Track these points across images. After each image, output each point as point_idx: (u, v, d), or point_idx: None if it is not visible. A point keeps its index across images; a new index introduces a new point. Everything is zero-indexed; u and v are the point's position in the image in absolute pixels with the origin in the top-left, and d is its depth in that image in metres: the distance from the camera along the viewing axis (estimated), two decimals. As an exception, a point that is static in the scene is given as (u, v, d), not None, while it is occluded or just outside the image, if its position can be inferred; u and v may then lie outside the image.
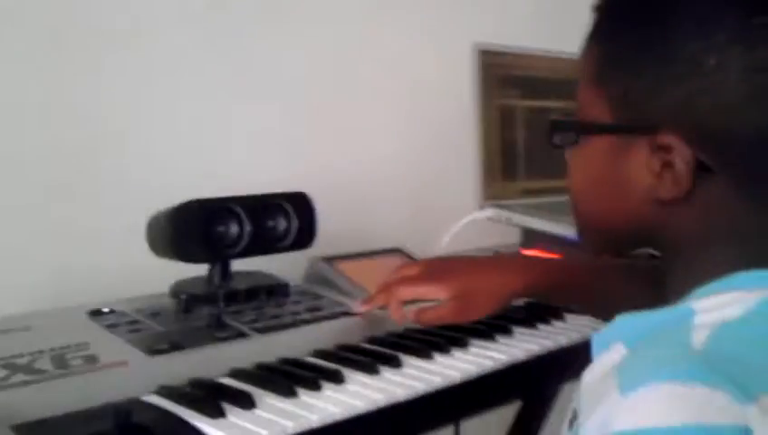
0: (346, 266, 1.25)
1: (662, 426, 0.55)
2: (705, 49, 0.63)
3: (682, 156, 0.65)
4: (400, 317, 1.06)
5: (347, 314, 1.13)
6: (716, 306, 0.63)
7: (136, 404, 0.84)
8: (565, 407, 0.72)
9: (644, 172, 0.68)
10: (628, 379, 0.59)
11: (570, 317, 1.21)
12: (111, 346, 0.95)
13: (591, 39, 0.73)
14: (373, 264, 1.30)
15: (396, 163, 1.73)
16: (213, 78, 1.49)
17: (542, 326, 1.17)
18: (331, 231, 1.25)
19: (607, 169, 0.71)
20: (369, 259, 1.31)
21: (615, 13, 0.72)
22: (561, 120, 0.77)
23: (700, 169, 0.65)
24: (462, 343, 1.06)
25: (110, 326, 1.01)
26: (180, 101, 1.45)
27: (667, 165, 0.66)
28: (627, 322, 0.68)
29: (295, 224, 1.17)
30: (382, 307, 1.09)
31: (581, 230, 0.80)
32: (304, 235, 1.18)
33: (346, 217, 1.50)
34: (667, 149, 0.65)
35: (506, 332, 1.12)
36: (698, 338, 0.60)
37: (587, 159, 0.74)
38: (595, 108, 0.71)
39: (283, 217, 1.17)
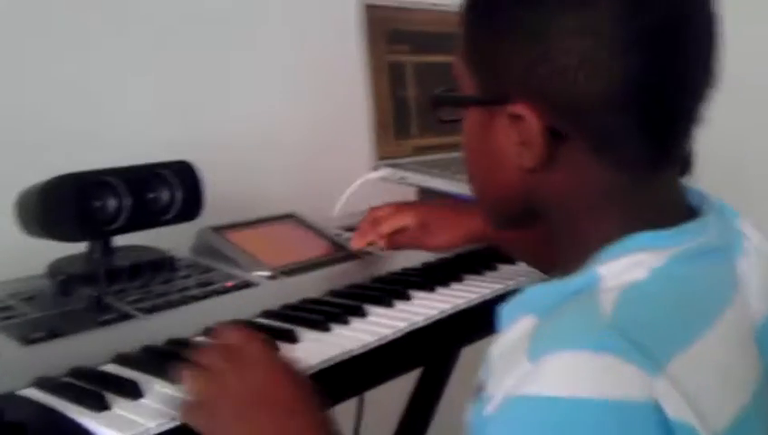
0: (237, 236, 1.20)
1: (567, 396, 0.55)
2: (539, 17, 0.64)
3: (532, 124, 0.66)
4: (390, 244, 1.19)
5: (239, 287, 1.08)
6: (621, 270, 0.63)
7: (10, 400, 0.78)
8: (465, 372, 0.70)
9: (508, 142, 0.68)
10: (537, 346, 0.58)
11: (468, 279, 1.19)
12: (-19, 337, 0.87)
13: (461, 16, 0.73)
14: (266, 231, 1.25)
15: (284, 125, 1.67)
16: (83, 34, 1.38)
17: (440, 289, 1.14)
18: (219, 201, 1.19)
19: (481, 142, 0.72)
20: (261, 227, 1.26)
21: None
22: (440, 96, 0.79)
23: (554, 136, 0.66)
24: (360, 312, 1.03)
25: (-21, 315, 0.93)
26: (48, 62, 1.34)
27: (520, 139, 0.67)
28: (536, 293, 0.67)
29: (179, 195, 1.11)
30: (371, 243, 1.21)
31: (480, 204, 0.79)
32: (190, 206, 1.12)
33: (234, 185, 1.44)
34: (519, 118, 0.66)
35: (404, 297, 1.09)
36: (606, 303, 0.60)
37: (467, 132, 0.75)
38: (465, 82, 0.73)
39: (165, 188, 1.11)
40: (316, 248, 1.24)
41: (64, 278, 1.01)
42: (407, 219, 1.18)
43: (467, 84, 0.73)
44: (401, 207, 1.21)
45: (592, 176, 0.67)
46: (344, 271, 1.19)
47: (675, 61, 0.64)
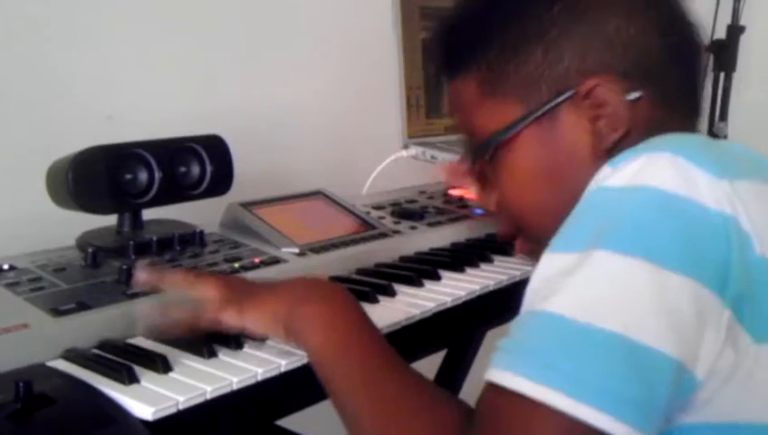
0: (266, 212, 1.19)
1: (640, 185, 0.60)
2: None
3: (610, 89, 0.70)
4: None
5: (267, 263, 1.07)
6: None
7: (39, 371, 0.78)
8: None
9: (580, 135, 0.71)
10: (617, 159, 0.64)
11: (498, 260, 1.18)
12: (11, 307, 0.87)
13: (452, 72, 0.78)
14: (294, 208, 1.25)
15: (316, 102, 1.66)
16: (117, 11, 1.38)
17: (470, 270, 1.13)
18: (249, 176, 1.18)
19: (546, 156, 0.74)
20: (290, 203, 1.25)
21: (472, 35, 0.76)
22: (482, 143, 0.77)
23: (626, 99, 0.70)
24: (389, 292, 1.02)
25: (10, 285, 0.92)
26: (82, 38, 1.34)
27: (598, 116, 0.71)
28: None
29: (210, 169, 1.11)
30: None
31: (538, 232, 0.74)
32: (220, 181, 1.12)
33: (264, 161, 1.44)
34: (593, 94, 0.70)
35: (435, 277, 1.08)
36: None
37: (522, 161, 0.75)
38: (495, 118, 0.74)
39: (196, 162, 1.10)
40: (344, 226, 1.23)
41: (94, 251, 1.00)
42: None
43: (501, 117, 0.74)
44: None
45: (666, 126, 0.70)
46: (372, 250, 1.18)
47: (690, 26, 0.75)
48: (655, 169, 0.60)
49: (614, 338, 0.55)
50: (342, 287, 0.82)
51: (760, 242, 0.59)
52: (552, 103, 0.72)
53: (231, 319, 0.80)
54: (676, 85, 0.74)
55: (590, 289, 0.57)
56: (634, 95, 0.71)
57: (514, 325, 0.61)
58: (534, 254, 0.70)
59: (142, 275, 0.85)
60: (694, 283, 0.56)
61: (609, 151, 0.71)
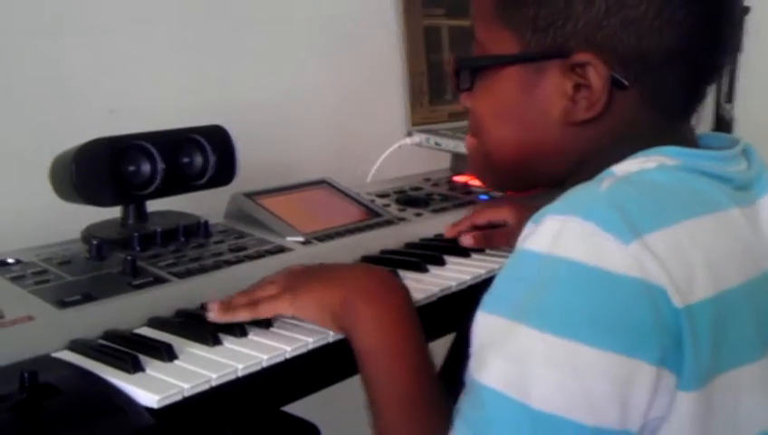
0: (270, 201, 1.19)
1: (547, 253, 0.62)
2: None
3: (599, 73, 0.69)
4: (483, 240, 1.14)
5: (272, 252, 1.07)
6: (634, 164, 0.68)
7: (45, 362, 0.78)
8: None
9: (557, 97, 0.71)
10: (542, 212, 0.65)
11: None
12: (17, 300, 0.87)
13: None
14: (299, 197, 1.24)
15: (318, 91, 1.66)
16: (119, 5, 1.38)
17: (474, 255, 1.13)
18: (253, 166, 1.18)
19: (519, 100, 0.74)
20: (294, 193, 1.25)
21: None
22: (467, 58, 0.79)
23: (613, 86, 0.69)
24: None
25: (15, 278, 0.93)
26: (85, 34, 1.34)
27: (580, 86, 0.70)
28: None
29: (213, 160, 1.10)
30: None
31: (492, 168, 0.81)
32: (223, 171, 1.12)
33: (268, 151, 1.43)
34: (582, 68, 0.69)
35: (439, 262, 1.08)
36: (607, 183, 0.65)
37: (496, 94, 0.76)
38: (499, 44, 0.74)
39: (199, 153, 1.10)
40: (349, 214, 1.23)
41: (99, 243, 1.00)
42: (504, 215, 1.15)
43: (502, 45, 0.74)
44: (500, 201, 1.18)
45: (638, 123, 0.71)
46: (377, 237, 1.18)
47: (722, 19, 0.71)
48: (568, 239, 0.61)
49: (539, 415, 0.60)
50: (399, 283, 0.84)
51: (678, 292, 0.60)
52: (547, 57, 0.71)
53: (282, 307, 0.83)
54: (675, 88, 0.72)
55: (515, 365, 0.61)
56: (621, 84, 0.70)
57: (466, 389, 0.66)
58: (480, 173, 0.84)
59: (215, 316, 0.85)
60: (610, 354, 0.59)
61: (584, 123, 0.71)
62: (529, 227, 0.66)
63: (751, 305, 0.66)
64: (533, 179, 0.81)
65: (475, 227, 1.17)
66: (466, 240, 1.13)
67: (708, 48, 0.71)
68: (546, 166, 0.77)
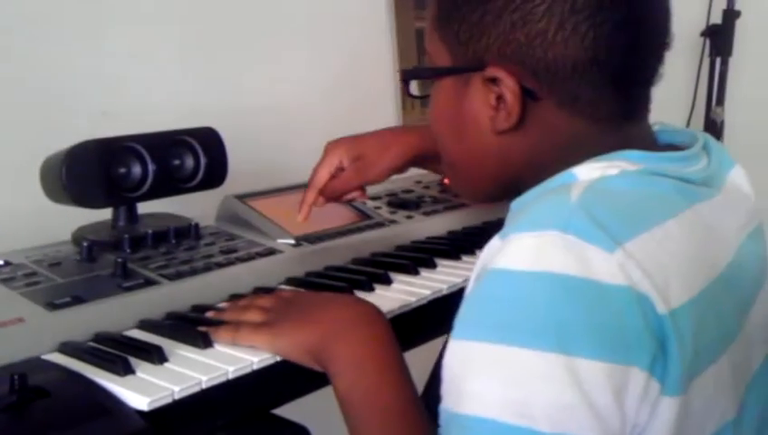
0: (261, 204, 1.19)
1: (528, 270, 0.60)
2: None
3: (508, 87, 0.71)
4: (330, 196, 1.13)
5: (263, 254, 1.07)
6: (596, 169, 0.68)
7: (35, 364, 0.78)
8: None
9: (484, 107, 0.73)
10: (509, 227, 0.64)
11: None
12: (7, 302, 0.87)
13: None
14: (290, 199, 1.24)
15: (309, 94, 1.66)
16: (113, 7, 1.38)
17: (466, 257, 1.13)
18: (244, 168, 1.18)
19: (455, 110, 0.76)
20: (285, 195, 1.25)
21: None
22: (414, 69, 0.86)
23: (528, 97, 0.71)
24: (385, 280, 1.02)
25: (5, 280, 0.92)
26: (77, 36, 1.34)
27: (501, 97, 0.72)
28: (519, 200, 0.72)
29: (204, 161, 1.11)
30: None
31: (451, 177, 0.85)
32: (214, 173, 1.12)
33: (259, 155, 1.43)
34: (496, 81, 0.71)
35: (430, 265, 1.08)
36: (576, 191, 0.64)
37: (440, 103, 0.78)
38: (439, 54, 0.76)
39: (190, 155, 1.10)
40: (340, 216, 1.23)
41: (89, 245, 1.00)
42: (336, 158, 1.12)
43: (441, 56, 0.76)
44: (329, 146, 1.14)
45: (565, 131, 0.72)
46: (368, 239, 1.18)
47: (640, 22, 0.70)
48: (552, 253, 0.60)
49: None
50: (381, 318, 0.83)
51: (662, 298, 0.60)
52: (468, 70, 0.73)
53: (263, 344, 0.82)
54: (597, 94, 0.71)
55: (512, 389, 0.59)
56: (533, 95, 0.71)
57: (443, 428, 0.64)
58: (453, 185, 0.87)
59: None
60: (608, 365, 0.58)
61: (507, 133, 0.73)
62: (494, 243, 0.65)
63: (713, 307, 0.66)
64: (492, 190, 0.81)
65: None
66: (320, 204, 1.12)
67: (624, 54, 0.70)
68: (496, 175, 0.77)
